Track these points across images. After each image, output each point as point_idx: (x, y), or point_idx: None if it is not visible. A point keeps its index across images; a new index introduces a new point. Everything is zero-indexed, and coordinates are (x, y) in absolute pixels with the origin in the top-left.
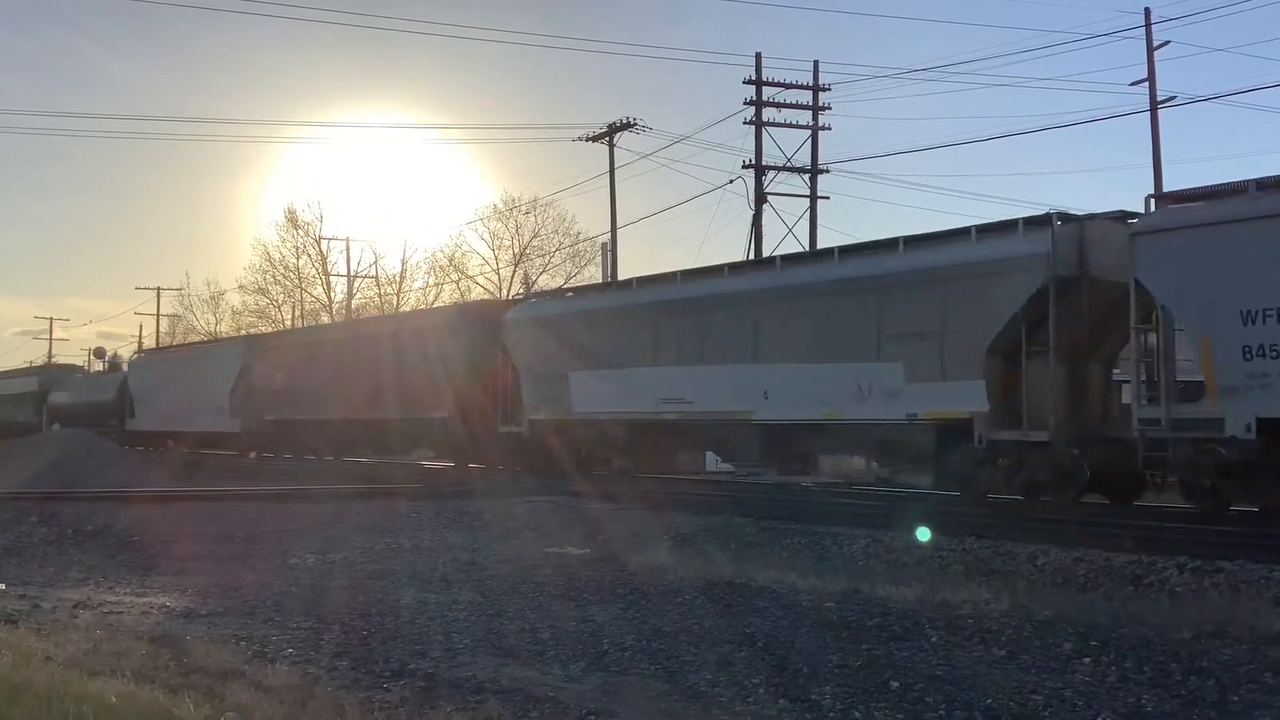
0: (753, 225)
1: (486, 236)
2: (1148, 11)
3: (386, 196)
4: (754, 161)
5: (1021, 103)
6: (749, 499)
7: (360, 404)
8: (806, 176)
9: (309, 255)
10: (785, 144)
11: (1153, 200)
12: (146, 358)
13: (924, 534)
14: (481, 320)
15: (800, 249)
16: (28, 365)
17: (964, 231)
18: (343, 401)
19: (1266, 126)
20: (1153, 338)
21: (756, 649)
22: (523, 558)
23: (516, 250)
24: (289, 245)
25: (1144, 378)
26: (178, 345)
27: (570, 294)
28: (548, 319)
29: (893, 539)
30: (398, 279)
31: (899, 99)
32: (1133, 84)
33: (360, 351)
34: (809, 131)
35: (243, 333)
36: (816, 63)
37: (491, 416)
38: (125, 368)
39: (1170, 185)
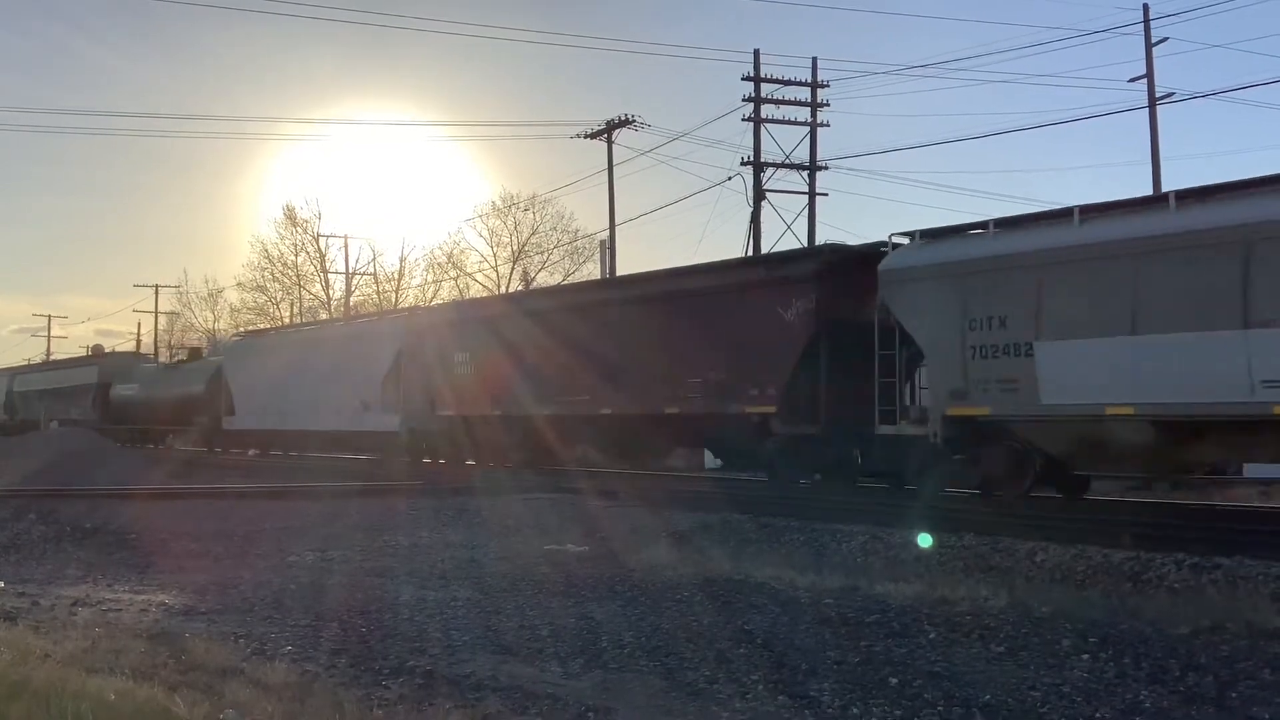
0: (751, 222)
1: (485, 233)
2: (1146, 8)
3: (385, 194)
4: (752, 158)
5: (1020, 99)
6: (746, 496)
7: (648, 394)
8: (805, 173)
9: (307, 253)
10: (784, 141)
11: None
12: (250, 340)
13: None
14: (829, 273)
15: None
16: (86, 353)
17: None
18: (613, 390)
19: (1265, 123)
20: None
21: (755, 646)
22: (521, 555)
23: (515, 247)
24: (287, 243)
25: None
26: (295, 324)
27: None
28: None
29: (891, 536)
30: (396, 276)
31: (898, 95)
32: (1131, 80)
33: (648, 321)
34: (807, 128)
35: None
36: (815, 59)
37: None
38: (218, 353)
39: (1168, 182)
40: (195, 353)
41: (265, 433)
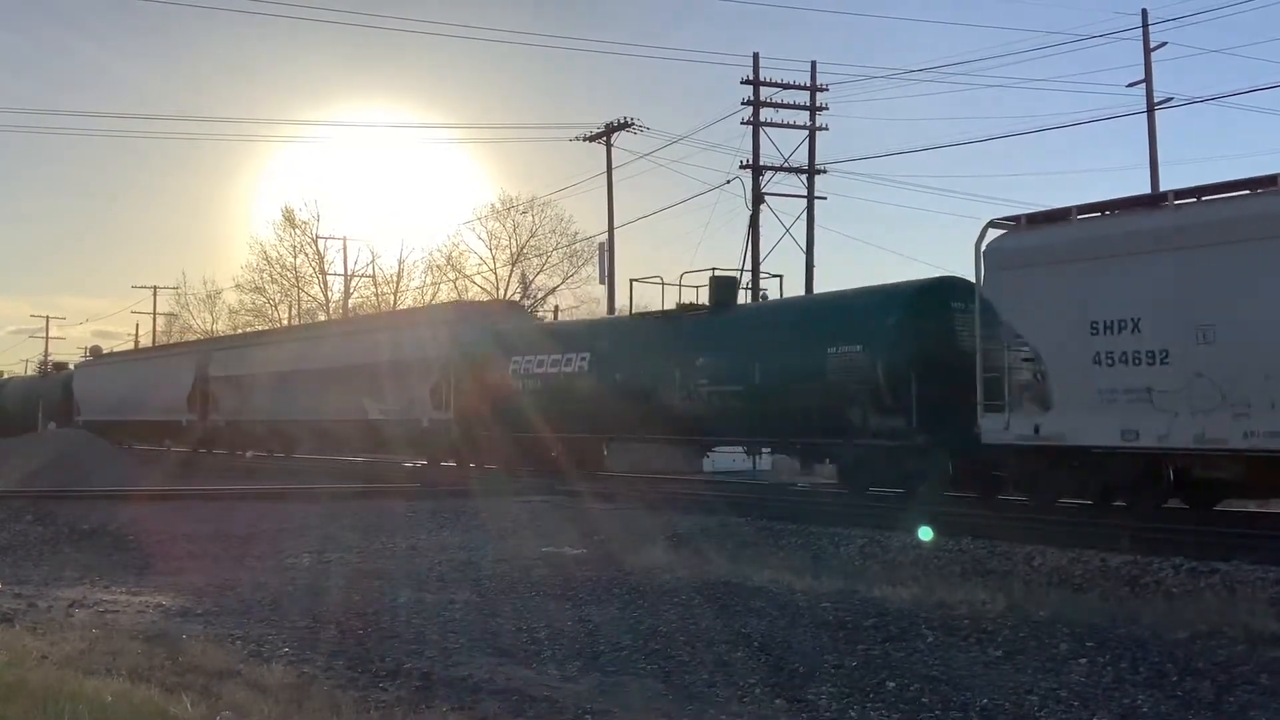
0: (750, 226)
1: (484, 236)
2: (1145, 13)
3: (384, 196)
4: (751, 162)
5: (1019, 104)
6: (745, 499)
7: None
8: (804, 177)
9: (306, 254)
10: (783, 144)
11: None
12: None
13: (925, 534)
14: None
15: (799, 250)
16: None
17: None
18: None
19: (1264, 128)
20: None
21: (753, 649)
22: (519, 557)
23: (514, 250)
24: (286, 244)
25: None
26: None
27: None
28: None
29: (889, 539)
30: (394, 278)
31: (896, 99)
32: (1130, 85)
33: None
34: (806, 132)
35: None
36: (814, 63)
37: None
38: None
39: (1166, 186)
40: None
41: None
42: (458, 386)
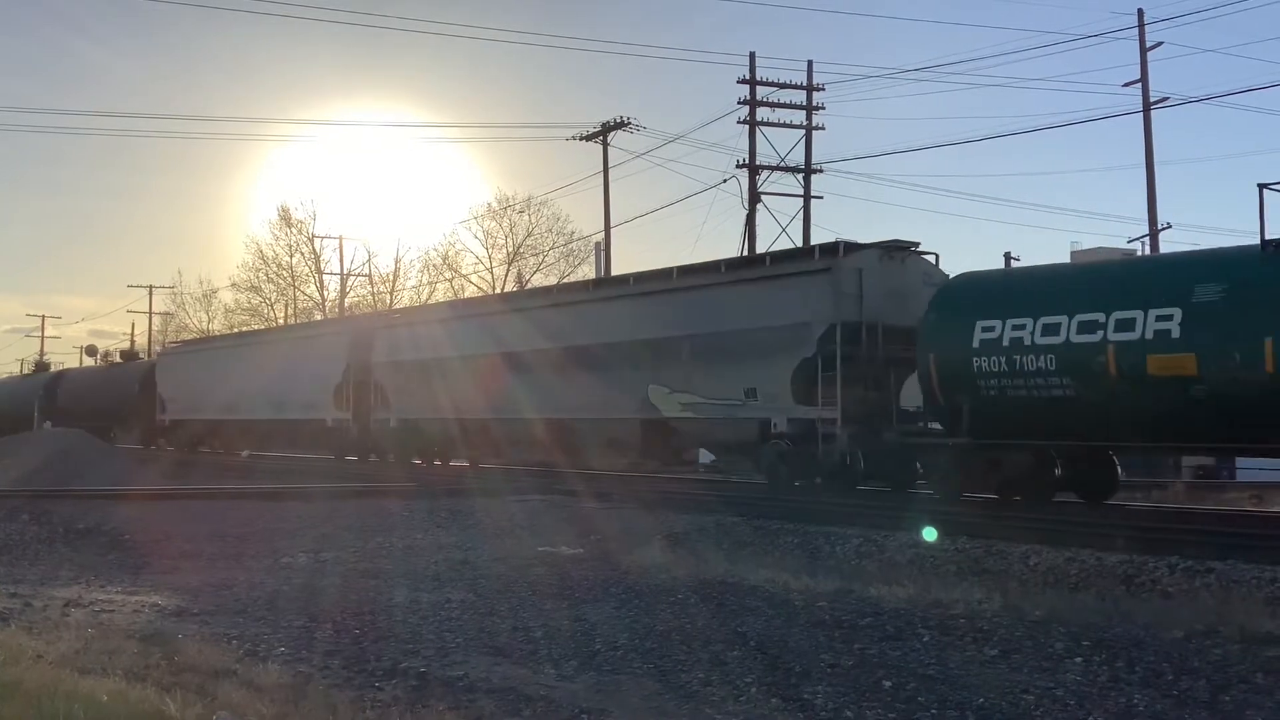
0: (746, 225)
1: (480, 235)
2: (1140, 12)
3: (380, 195)
4: (748, 161)
5: (1014, 103)
6: (741, 498)
7: None
8: (800, 176)
9: (302, 253)
10: (779, 144)
11: None
12: None
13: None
14: None
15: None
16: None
17: None
18: None
19: (1259, 127)
20: None
21: (749, 648)
22: (515, 557)
23: (510, 249)
24: (282, 243)
25: None
26: None
27: None
28: None
29: (885, 539)
30: (391, 277)
31: (893, 99)
32: (1126, 85)
33: None
34: (803, 131)
35: None
36: (810, 62)
37: None
38: None
39: (1162, 186)
40: None
41: None
42: None
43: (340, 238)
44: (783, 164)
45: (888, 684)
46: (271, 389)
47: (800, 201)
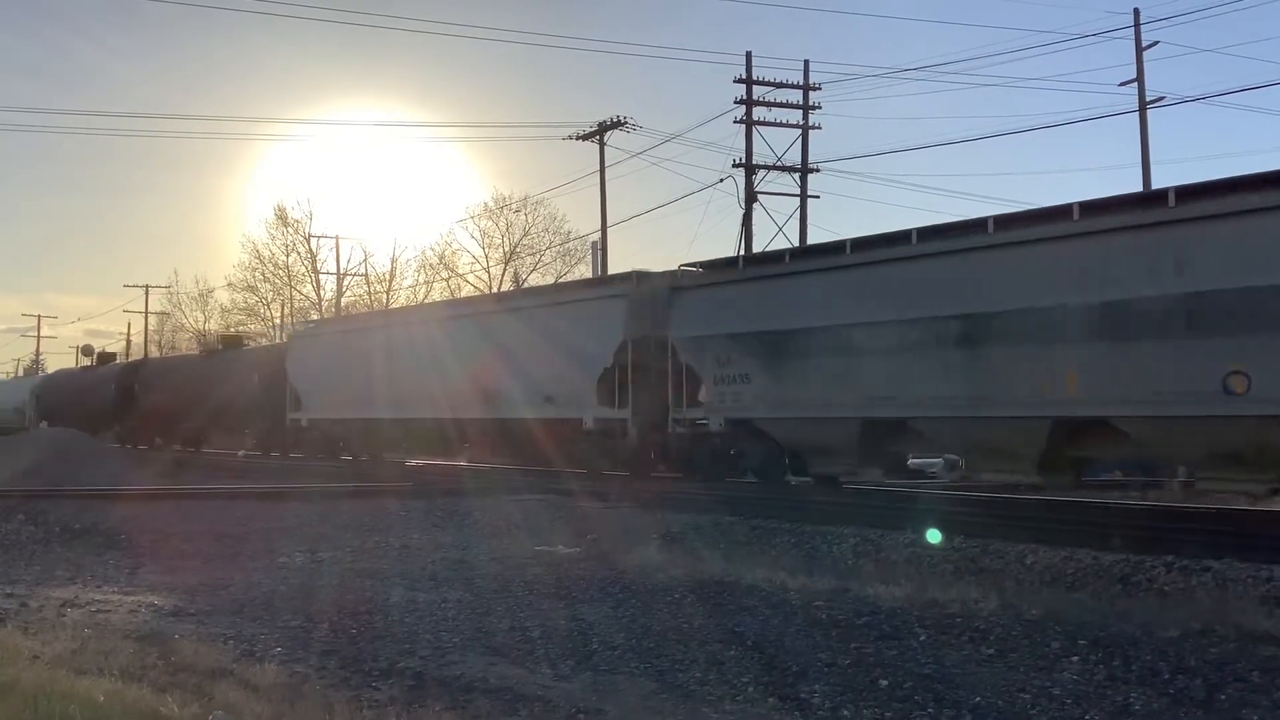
0: (743, 224)
1: (477, 234)
2: (1136, 12)
3: (377, 194)
4: (744, 160)
5: (1011, 102)
6: (738, 498)
7: None
8: (797, 175)
9: (299, 253)
10: (776, 143)
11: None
12: None
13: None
14: None
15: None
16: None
17: None
18: None
19: (1254, 127)
20: None
21: (746, 647)
22: (512, 556)
23: (507, 249)
24: (279, 243)
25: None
26: None
27: None
28: None
29: (882, 538)
30: (387, 277)
31: (889, 98)
32: (1122, 84)
33: None
34: (799, 130)
35: None
36: (807, 62)
37: None
38: None
39: (1157, 185)
40: None
41: None
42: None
43: (337, 237)
44: (779, 163)
45: (884, 683)
46: (483, 377)
47: (797, 201)
